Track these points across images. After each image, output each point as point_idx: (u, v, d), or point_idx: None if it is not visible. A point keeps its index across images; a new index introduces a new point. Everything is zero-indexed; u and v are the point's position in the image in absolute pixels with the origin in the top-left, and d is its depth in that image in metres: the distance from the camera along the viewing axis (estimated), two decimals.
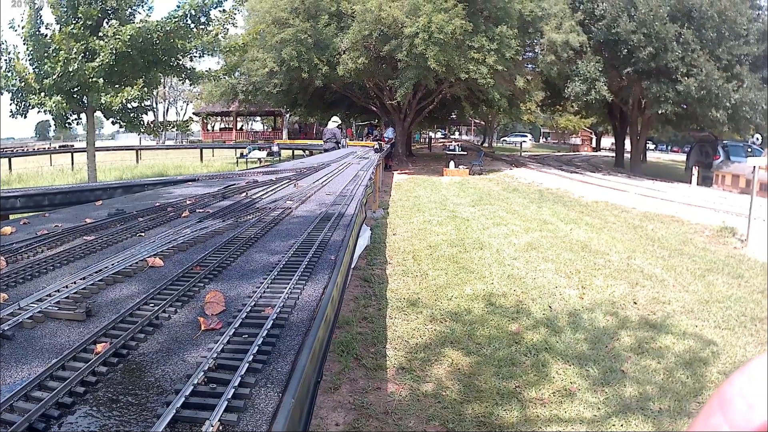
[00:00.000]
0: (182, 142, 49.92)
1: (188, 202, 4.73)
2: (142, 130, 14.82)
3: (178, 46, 12.98)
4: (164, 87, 53.76)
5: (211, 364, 1.40)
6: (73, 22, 12.28)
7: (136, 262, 2.53)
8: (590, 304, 6.29)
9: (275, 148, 26.81)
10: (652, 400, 4.21)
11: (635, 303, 6.40)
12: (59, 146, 34.22)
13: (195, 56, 14.33)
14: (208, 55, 14.54)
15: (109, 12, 12.99)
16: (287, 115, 41.90)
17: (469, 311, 6.11)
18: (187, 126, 19.04)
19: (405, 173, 22.78)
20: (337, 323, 2.31)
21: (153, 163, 30.08)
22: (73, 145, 33.18)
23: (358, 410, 4.19)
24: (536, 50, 24.68)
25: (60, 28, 12.32)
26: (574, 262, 8.01)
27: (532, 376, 4.64)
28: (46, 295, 2.02)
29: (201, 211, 4.26)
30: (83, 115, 13.66)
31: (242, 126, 50.51)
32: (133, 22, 12.94)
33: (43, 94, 12.29)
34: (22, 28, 12.17)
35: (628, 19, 23.03)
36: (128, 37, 11.86)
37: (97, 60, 12.03)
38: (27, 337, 1.70)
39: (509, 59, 20.67)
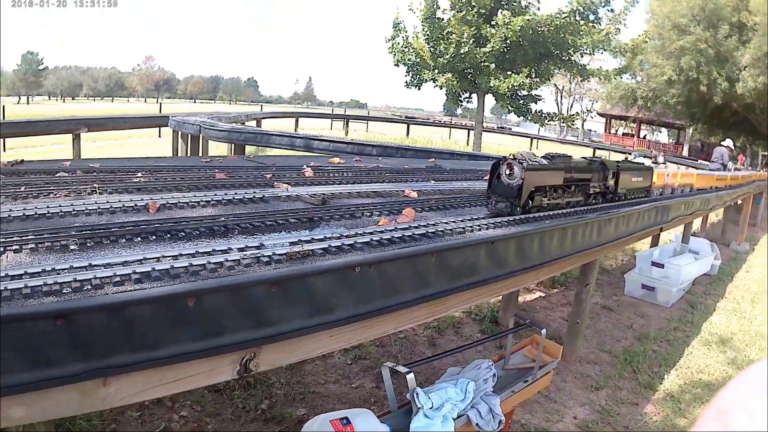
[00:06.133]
0: (583, 140, 49.90)
1: (479, 170, 5.30)
2: (528, 118, 15.77)
3: (569, 41, 13.26)
4: (570, 83, 54.41)
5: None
6: (467, 9, 13.64)
7: (396, 191, 3.13)
8: None
9: (660, 159, 24.47)
10: None
11: None
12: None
13: (585, 53, 14.39)
14: (599, 52, 14.45)
15: (502, 2, 13.99)
16: (689, 130, 37.75)
17: None
18: (573, 121, 19.27)
19: None
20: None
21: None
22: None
23: (601, 414, 4.28)
24: None
25: (454, 14, 13.77)
26: None
27: None
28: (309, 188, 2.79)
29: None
30: (474, 96, 15.17)
31: (645, 135, 47.67)
32: (524, 14, 13.64)
33: (436, 70, 14.10)
34: (420, 10, 14.09)
35: None
36: (518, 27, 12.70)
37: (488, 46, 13.16)
38: (276, 203, 2.52)
39: None
